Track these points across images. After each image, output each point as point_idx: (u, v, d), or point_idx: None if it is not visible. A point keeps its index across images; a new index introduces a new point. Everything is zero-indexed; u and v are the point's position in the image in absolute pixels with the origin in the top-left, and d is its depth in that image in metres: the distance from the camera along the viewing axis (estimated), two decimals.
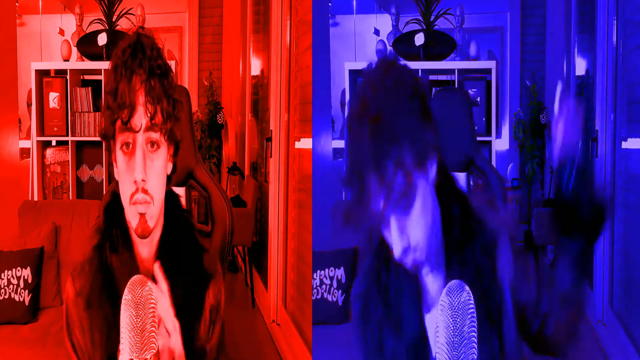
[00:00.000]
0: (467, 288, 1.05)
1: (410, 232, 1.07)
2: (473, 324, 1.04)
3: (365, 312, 1.21)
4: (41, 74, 4.21)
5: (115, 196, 1.29)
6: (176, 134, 1.28)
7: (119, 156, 1.24)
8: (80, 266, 1.33)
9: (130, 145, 1.22)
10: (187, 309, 1.27)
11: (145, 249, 1.31)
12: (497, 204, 1.22)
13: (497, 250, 1.16)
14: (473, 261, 1.14)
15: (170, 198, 1.35)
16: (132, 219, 1.24)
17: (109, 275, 1.28)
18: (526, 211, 5.46)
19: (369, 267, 1.23)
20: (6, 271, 2.90)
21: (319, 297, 2.94)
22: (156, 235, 1.31)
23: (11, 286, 2.89)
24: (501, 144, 5.83)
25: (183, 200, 1.42)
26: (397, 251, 1.07)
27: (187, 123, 1.65)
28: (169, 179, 1.31)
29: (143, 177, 1.22)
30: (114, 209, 1.31)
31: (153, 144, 1.24)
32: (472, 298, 1.05)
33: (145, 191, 1.22)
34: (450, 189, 1.16)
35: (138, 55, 1.23)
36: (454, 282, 1.06)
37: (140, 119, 1.22)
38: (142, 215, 1.23)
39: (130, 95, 1.21)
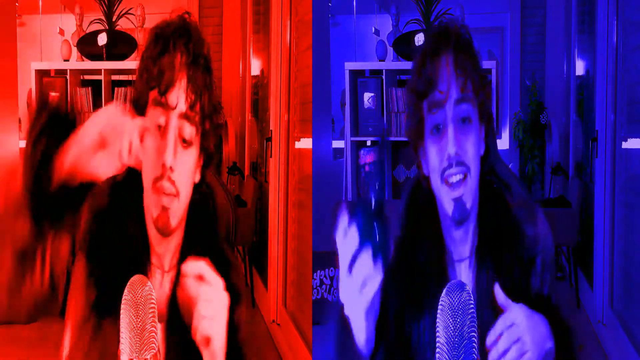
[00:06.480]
0: (467, 288, 1.05)
1: (462, 143, 1.14)
2: (473, 324, 1.04)
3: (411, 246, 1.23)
4: (41, 74, 4.22)
5: (130, 174, 1.11)
6: (210, 145, 1.16)
7: (147, 136, 1.08)
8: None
9: (162, 128, 1.10)
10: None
11: (162, 246, 1.18)
12: (537, 219, 1.21)
13: (532, 269, 1.18)
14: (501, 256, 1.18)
15: (202, 195, 1.20)
16: (154, 208, 1.12)
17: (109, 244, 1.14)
18: None
19: (410, 195, 1.26)
20: None
21: (319, 297, 2.94)
22: (176, 240, 1.18)
23: None
24: (501, 144, 5.82)
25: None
26: (451, 151, 1.13)
27: None
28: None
29: (172, 163, 1.09)
30: (126, 186, 1.14)
31: (185, 140, 1.11)
32: (472, 298, 1.05)
33: (172, 181, 1.10)
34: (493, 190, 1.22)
35: (185, 35, 1.12)
36: (453, 282, 1.06)
37: (176, 98, 1.10)
38: (165, 208, 1.11)
39: (172, 70, 1.09)
